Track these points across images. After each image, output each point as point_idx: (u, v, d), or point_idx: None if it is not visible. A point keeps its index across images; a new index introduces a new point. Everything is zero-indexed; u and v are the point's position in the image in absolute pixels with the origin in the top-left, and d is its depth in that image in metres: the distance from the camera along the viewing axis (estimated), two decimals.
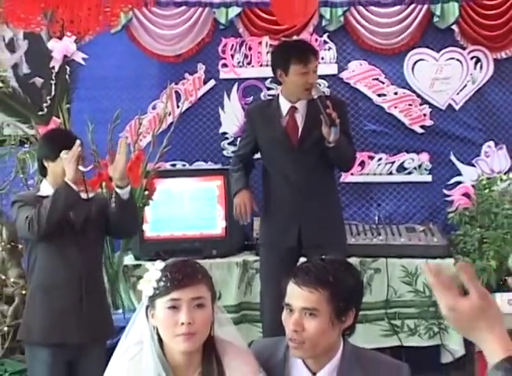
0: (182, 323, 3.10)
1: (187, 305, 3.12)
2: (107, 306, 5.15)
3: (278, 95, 5.76)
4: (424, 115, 7.32)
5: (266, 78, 7.21)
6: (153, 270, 3.16)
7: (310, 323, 3.10)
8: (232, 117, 7.26)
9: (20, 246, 5.98)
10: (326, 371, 3.18)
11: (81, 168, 4.80)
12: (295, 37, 7.07)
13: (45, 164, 4.87)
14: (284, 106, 5.64)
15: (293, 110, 5.62)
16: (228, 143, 7.22)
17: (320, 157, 5.58)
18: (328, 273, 3.17)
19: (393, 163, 7.31)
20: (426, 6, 7.15)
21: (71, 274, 4.80)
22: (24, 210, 4.79)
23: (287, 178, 5.62)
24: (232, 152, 7.13)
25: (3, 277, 6.09)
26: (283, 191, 5.67)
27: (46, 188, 4.90)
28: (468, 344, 6.30)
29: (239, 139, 7.11)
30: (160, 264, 3.19)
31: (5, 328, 5.94)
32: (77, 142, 4.67)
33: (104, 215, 5.07)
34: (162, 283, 3.13)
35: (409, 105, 7.31)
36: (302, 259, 5.40)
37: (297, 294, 3.14)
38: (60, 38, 6.88)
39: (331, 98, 5.88)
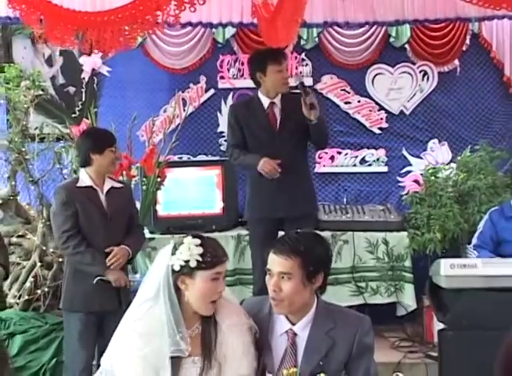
0: (220, 293, 3.16)
1: (223, 278, 3.18)
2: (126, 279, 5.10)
3: (257, 95, 5.78)
4: (381, 119, 7.36)
5: (255, 88, 7.25)
6: (194, 246, 3.12)
7: (286, 285, 3.13)
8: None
9: None
10: (303, 322, 3.23)
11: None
12: None
13: (92, 156, 4.90)
14: (265, 101, 5.69)
15: (272, 104, 5.68)
16: (225, 140, 7.19)
17: (297, 141, 5.66)
18: (300, 244, 3.19)
19: (356, 157, 7.35)
20: (384, 28, 7.16)
21: (100, 255, 4.85)
22: (64, 214, 4.83)
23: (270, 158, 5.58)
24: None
25: (44, 248, 6.08)
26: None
27: (85, 178, 4.93)
28: (419, 300, 6.40)
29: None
30: (195, 240, 3.15)
31: (46, 289, 5.95)
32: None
33: (130, 205, 5.18)
34: (208, 258, 3.11)
35: (370, 111, 7.37)
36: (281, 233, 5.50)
37: (275, 261, 3.16)
38: (89, 55, 6.90)
39: (294, 94, 5.84)
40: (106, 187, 4.97)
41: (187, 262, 3.11)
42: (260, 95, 5.74)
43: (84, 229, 4.85)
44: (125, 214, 5.05)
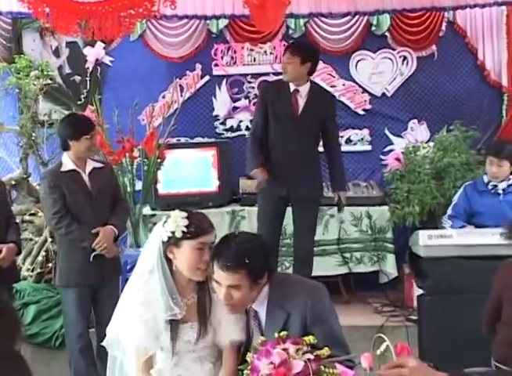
0: (206, 261, 3.14)
1: (209, 248, 3.16)
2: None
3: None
4: (365, 101, 7.32)
5: (247, 74, 7.25)
6: (180, 218, 3.14)
7: (235, 293, 3.07)
8: (222, 103, 7.23)
9: None
10: (259, 300, 3.19)
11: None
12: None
13: (69, 142, 4.86)
14: (291, 87, 5.66)
15: (296, 91, 5.65)
16: (220, 123, 7.23)
17: (314, 130, 5.67)
18: (243, 255, 3.07)
19: (342, 137, 7.26)
20: (366, 17, 7.14)
21: (87, 230, 4.85)
22: (52, 197, 4.81)
23: (287, 140, 5.60)
24: (223, 129, 7.22)
25: None
26: (282, 150, 5.65)
27: (67, 162, 4.90)
28: (399, 269, 6.43)
29: (228, 119, 7.21)
30: (181, 213, 3.18)
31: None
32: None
33: (113, 183, 5.17)
34: (192, 229, 3.13)
35: (354, 93, 7.32)
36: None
37: (222, 277, 3.06)
38: (93, 46, 6.91)
39: (322, 91, 6.02)
40: (88, 169, 4.95)
41: (173, 232, 3.14)
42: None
43: (73, 210, 4.83)
44: (109, 191, 5.04)
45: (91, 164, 4.98)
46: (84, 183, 4.90)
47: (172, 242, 3.16)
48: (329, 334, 3.10)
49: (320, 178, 5.88)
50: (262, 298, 3.19)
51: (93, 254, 4.79)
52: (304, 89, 5.68)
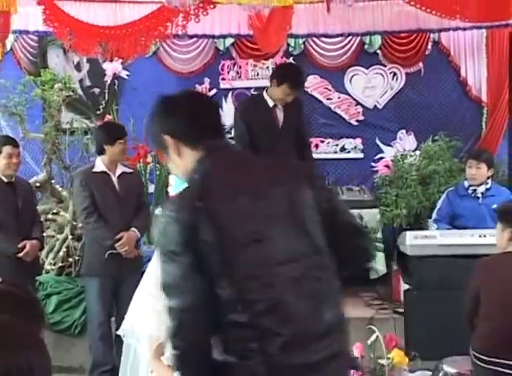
0: None
1: None
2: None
3: (263, 93, 5.58)
4: (358, 113, 7.35)
5: (251, 88, 7.24)
6: None
7: None
8: (228, 114, 7.14)
9: None
10: None
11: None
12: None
13: (105, 146, 4.91)
14: (270, 102, 5.50)
15: (275, 106, 5.52)
16: (226, 132, 7.23)
17: (294, 140, 5.59)
18: None
19: (337, 145, 7.34)
20: (359, 37, 7.18)
21: (115, 230, 4.87)
22: (82, 195, 4.85)
23: (272, 150, 5.44)
24: (229, 138, 7.14)
25: (74, 223, 6.09)
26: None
27: (100, 164, 4.95)
28: (388, 266, 6.42)
29: (233, 129, 7.20)
30: None
31: (76, 257, 5.98)
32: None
33: (139, 187, 5.22)
34: None
35: (348, 106, 7.35)
36: None
37: None
38: (111, 61, 6.93)
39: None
40: (118, 172, 5.01)
41: None
42: (265, 94, 5.55)
43: (101, 208, 4.88)
44: (135, 195, 5.09)
45: (121, 169, 5.03)
46: (113, 185, 4.95)
47: None
48: None
49: None
50: None
51: (109, 252, 4.80)
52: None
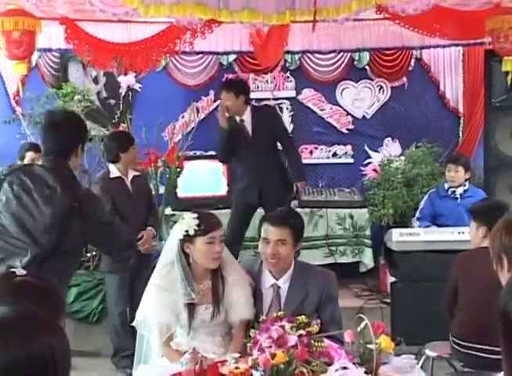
0: (218, 252, 3.16)
1: (219, 241, 3.18)
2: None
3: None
4: (348, 122, 7.35)
5: (252, 99, 7.23)
6: (191, 219, 3.15)
7: (281, 249, 3.15)
8: None
9: None
10: (284, 278, 3.25)
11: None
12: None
13: (120, 154, 4.88)
14: (237, 118, 5.63)
15: (241, 121, 5.62)
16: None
17: (268, 145, 5.63)
18: (289, 218, 3.24)
19: (330, 151, 7.33)
20: (349, 54, 7.20)
21: (133, 230, 4.80)
22: (104, 199, 4.59)
23: (250, 160, 5.61)
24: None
25: None
26: (248, 168, 5.67)
27: (114, 170, 4.92)
28: (376, 260, 6.40)
29: None
30: (192, 214, 3.18)
31: (94, 252, 5.92)
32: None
33: (148, 188, 5.23)
34: (202, 227, 3.13)
35: (339, 116, 7.35)
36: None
37: (271, 232, 3.17)
38: (125, 75, 6.90)
39: (263, 108, 6.07)
40: (130, 176, 4.99)
41: (187, 231, 3.15)
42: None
43: (119, 209, 4.83)
44: (145, 195, 5.09)
45: (131, 173, 5.01)
46: (127, 188, 4.94)
47: (187, 239, 3.17)
48: (335, 312, 3.23)
49: (284, 181, 5.75)
50: (287, 276, 3.25)
51: None
52: (247, 116, 5.61)
